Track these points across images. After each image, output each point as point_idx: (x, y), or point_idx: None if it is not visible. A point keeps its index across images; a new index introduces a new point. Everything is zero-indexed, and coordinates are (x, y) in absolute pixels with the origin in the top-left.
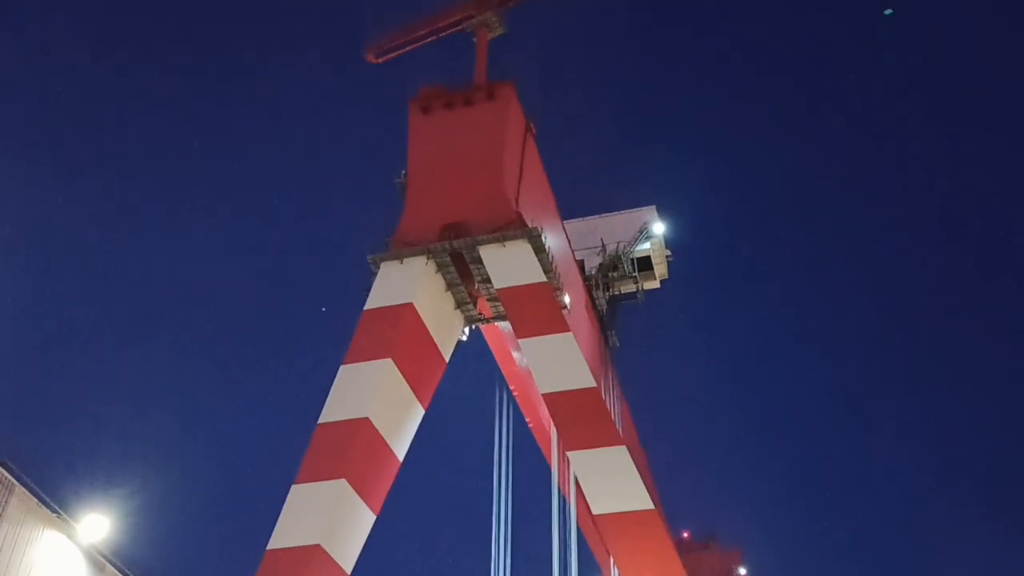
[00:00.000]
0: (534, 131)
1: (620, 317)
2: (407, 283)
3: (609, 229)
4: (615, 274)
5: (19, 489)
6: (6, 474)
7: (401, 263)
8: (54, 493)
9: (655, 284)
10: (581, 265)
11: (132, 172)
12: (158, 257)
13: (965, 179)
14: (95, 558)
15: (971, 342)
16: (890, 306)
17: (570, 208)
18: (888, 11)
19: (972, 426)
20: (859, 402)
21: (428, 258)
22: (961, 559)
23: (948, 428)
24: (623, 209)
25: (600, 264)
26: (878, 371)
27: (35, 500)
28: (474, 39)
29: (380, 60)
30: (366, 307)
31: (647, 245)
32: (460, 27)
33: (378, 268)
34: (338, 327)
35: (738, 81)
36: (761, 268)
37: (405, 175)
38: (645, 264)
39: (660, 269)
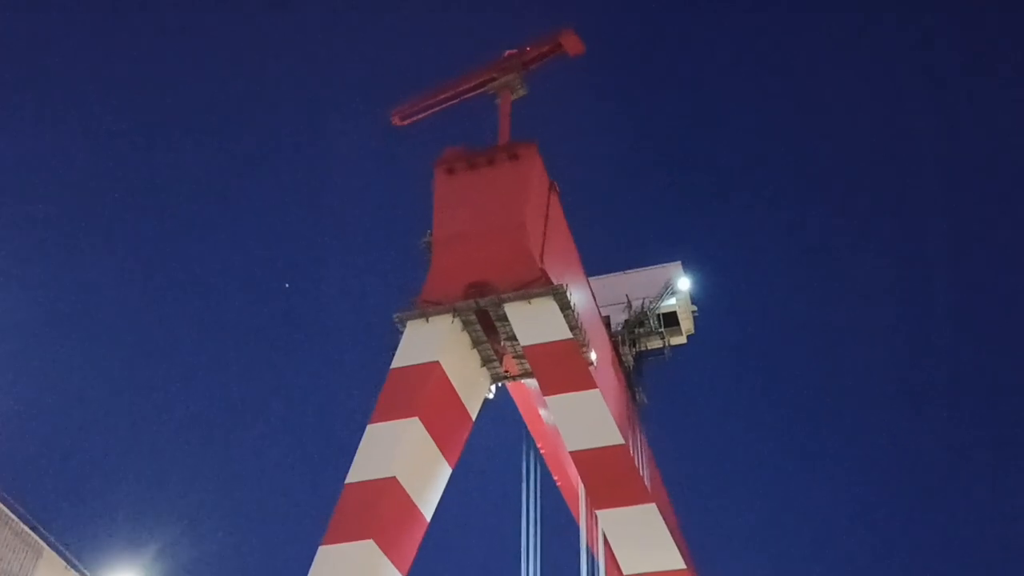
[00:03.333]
0: (557, 189)
1: (647, 373)
2: (433, 341)
3: (634, 285)
4: (641, 330)
5: (47, 551)
6: (34, 536)
7: (427, 321)
8: (82, 555)
9: (682, 340)
10: (607, 321)
11: (150, 234)
12: (185, 320)
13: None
14: None
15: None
16: (929, 364)
17: (595, 264)
18: None
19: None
20: (897, 463)
21: (454, 316)
22: None
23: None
24: (648, 265)
25: (626, 320)
26: (920, 430)
27: (63, 562)
28: (497, 101)
29: (405, 123)
30: (392, 366)
31: (673, 301)
32: (483, 89)
33: (404, 327)
34: (364, 385)
35: (767, 134)
36: (791, 320)
37: (430, 235)
38: (671, 320)
39: (686, 324)
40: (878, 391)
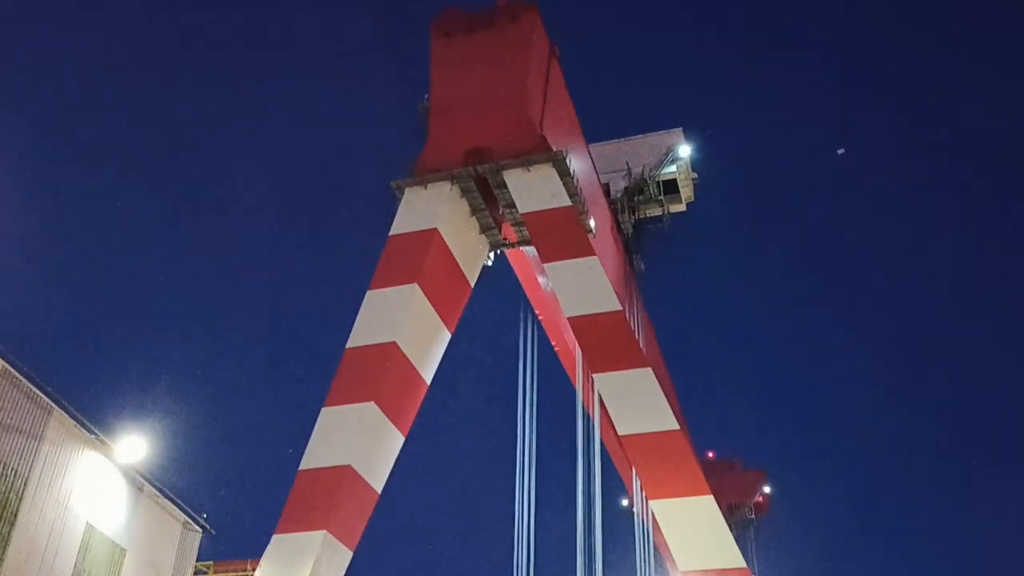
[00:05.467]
0: (558, 54)
1: (645, 240)
2: (432, 208)
3: (635, 152)
4: (641, 197)
5: (57, 412)
6: (44, 397)
7: (425, 188)
8: (92, 415)
9: (681, 207)
10: (606, 189)
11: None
12: (185, 182)
13: None
14: (133, 478)
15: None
16: (931, 232)
17: (595, 131)
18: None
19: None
20: (889, 329)
21: (452, 183)
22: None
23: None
24: (649, 132)
25: (625, 188)
26: (914, 301)
27: (73, 422)
28: None
29: None
30: (391, 232)
31: (673, 168)
32: None
33: (402, 194)
34: (369, 252)
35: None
36: (791, 189)
37: (427, 100)
38: (671, 187)
39: (686, 192)
40: (878, 256)
